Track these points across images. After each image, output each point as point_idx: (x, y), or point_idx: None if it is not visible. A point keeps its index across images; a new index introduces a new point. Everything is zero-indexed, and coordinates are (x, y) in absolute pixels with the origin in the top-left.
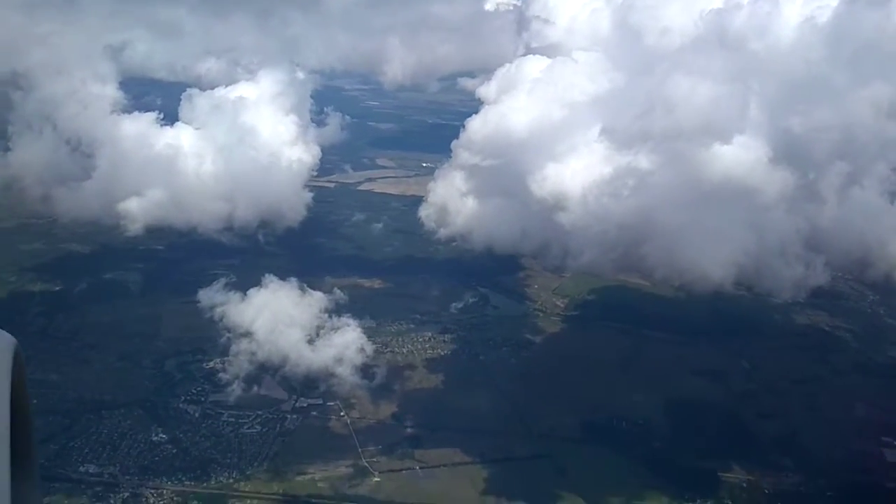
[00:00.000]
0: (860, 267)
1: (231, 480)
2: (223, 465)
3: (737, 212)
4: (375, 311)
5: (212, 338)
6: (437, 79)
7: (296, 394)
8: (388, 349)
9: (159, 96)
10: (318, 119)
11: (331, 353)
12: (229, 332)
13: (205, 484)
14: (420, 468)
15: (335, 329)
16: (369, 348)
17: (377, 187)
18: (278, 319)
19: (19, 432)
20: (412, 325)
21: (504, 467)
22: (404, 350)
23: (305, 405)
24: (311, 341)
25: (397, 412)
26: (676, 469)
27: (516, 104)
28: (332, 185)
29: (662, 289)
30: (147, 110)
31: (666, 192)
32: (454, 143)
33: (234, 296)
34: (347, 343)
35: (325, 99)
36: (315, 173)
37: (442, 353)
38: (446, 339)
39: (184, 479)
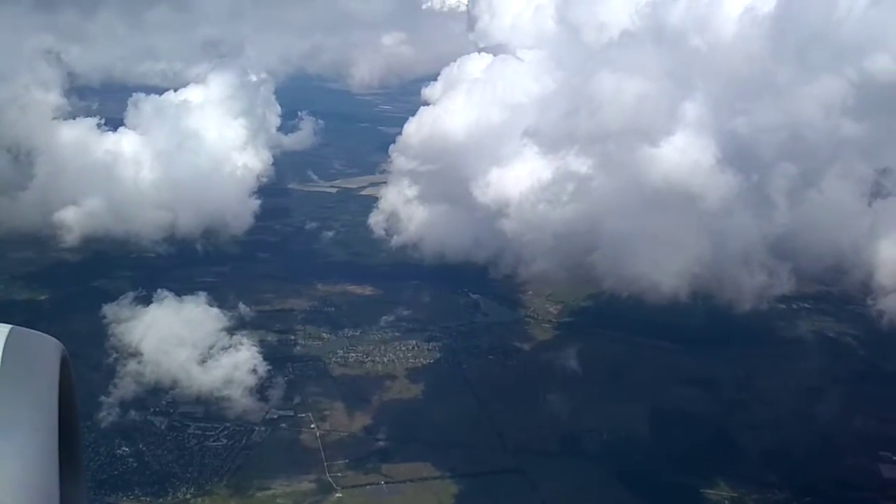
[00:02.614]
0: (834, 274)
1: (189, 496)
2: (183, 479)
3: (691, 217)
4: (359, 318)
5: None
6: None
7: (268, 404)
8: (370, 358)
9: (112, 101)
10: (305, 124)
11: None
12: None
13: (161, 500)
14: (385, 483)
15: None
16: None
17: (380, 192)
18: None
19: (67, 435)
20: (397, 333)
21: (474, 482)
22: (385, 359)
23: (276, 416)
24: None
25: (370, 424)
26: (655, 485)
27: (454, 106)
28: (334, 190)
29: (662, 296)
30: (97, 116)
31: (612, 197)
32: (392, 148)
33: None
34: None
35: (335, 103)
36: (316, 178)
37: (425, 363)
38: (431, 348)
39: (140, 493)
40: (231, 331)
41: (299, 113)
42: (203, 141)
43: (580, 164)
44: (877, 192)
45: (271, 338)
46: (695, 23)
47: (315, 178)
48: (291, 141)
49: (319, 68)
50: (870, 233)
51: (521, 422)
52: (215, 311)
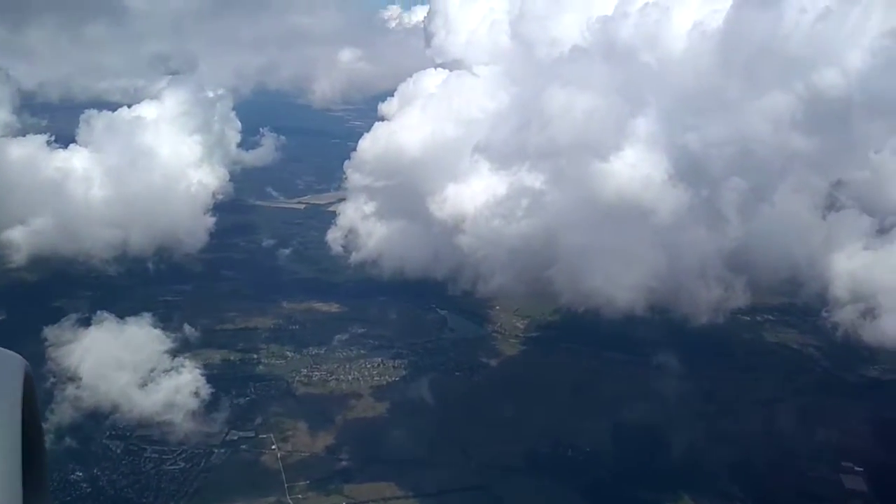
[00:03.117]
0: (794, 286)
1: None
2: None
3: (648, 232)
4: (324, 336)
5: None
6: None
7: (228, 426)
8: (334, 377)
9: (65, 118)
10: (268, 140)
11: None
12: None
13: None
14: None
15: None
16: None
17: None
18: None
19: (30, 453)
20: (363, 351)
21: (438, 501)
22: (349, 377)
23: (236, 438)
24: None
25: (333, 444)
26: (620, 500)
27: (408, 121)
28: (302, 206)
29: (627, 309)
30: (48, 133)
31: (568, 212)
32: (347, 164)
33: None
34: None
35: (303, 119)
36: (276, 194)
37: (390, 380)
38: (396, 365)
39: None
40: (183, 351)
41: (261, 129)
42: (156, 157)
43: (533, 180)
44: (831, 205)
45: (234, 357)
46: (645, 39)
47: (275, 194)
48: (253, 157)
49: (284, 84)
50: (825, 245)
51: (486, 438)
52: (159, 332)
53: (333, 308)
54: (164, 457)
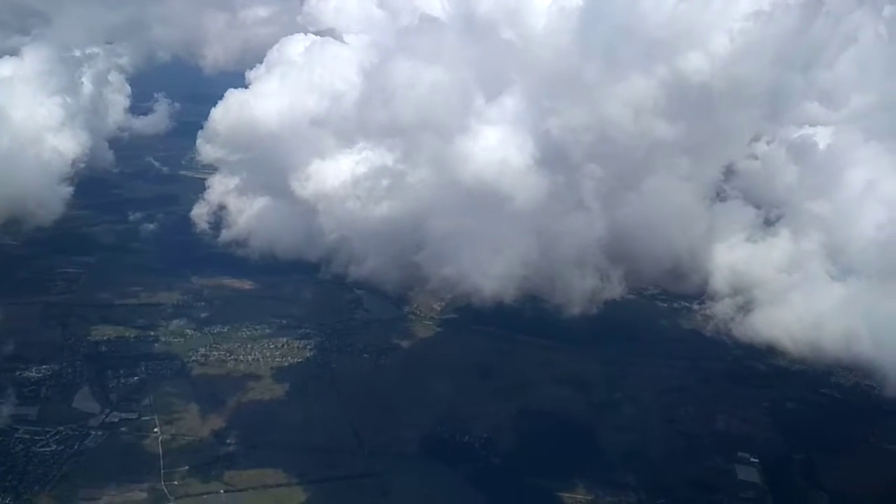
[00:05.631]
0: (671, 278)
1: None
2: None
3: (519, 218)
4: (231, 314)
5: None
6: None
7: (109, 407)
8: (233, 357)
9: None
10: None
11: None
12: None
13: None
14: (225, 492)
15: None
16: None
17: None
18: None
19: None
20: (268, 330)
21: (323, 489)
22: (250, 358)
23: (116, 420)
24: None
25: (222, 428)
26: (512, 489)
27: (264, 90)
28: (186, 175)
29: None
30: None
31: (431, 195)
32: (199, 134)
33: None
34: None
35: (203, 85)
36: (160, 164)
37: (294, 361)
38: (302, 346)
39: None
40: None
41: (156, 94)
42: (6, 120)
43: (379, 158)
44: (716, 195)
45: (129, 334)
46: (503, 12)
47: (157, 164)
48: (144, 124)
49: (178, 48)
50: (709, 235)
51: (383, 423)
52: None
53: (246, 285)
54: (35, 438)
